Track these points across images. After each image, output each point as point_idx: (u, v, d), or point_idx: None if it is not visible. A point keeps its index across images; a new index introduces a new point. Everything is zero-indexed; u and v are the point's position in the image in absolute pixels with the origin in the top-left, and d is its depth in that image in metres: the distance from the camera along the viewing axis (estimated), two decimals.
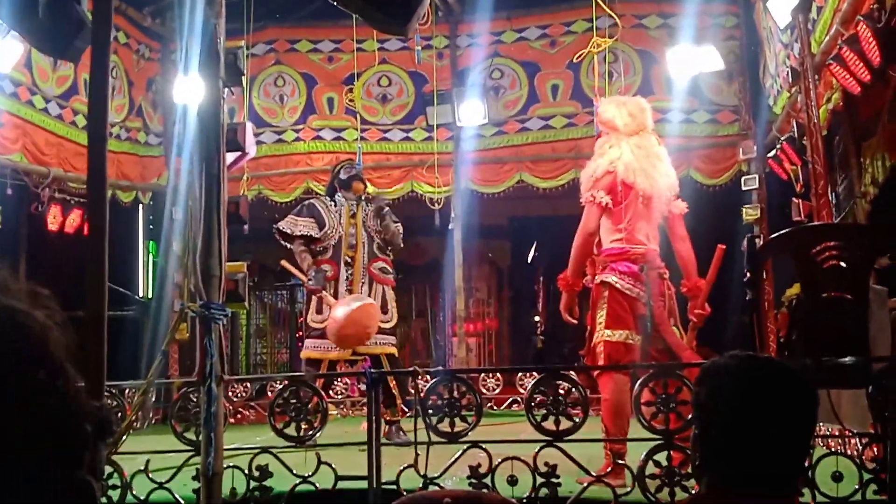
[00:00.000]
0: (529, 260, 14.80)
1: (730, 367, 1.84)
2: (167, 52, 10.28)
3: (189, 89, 4.26)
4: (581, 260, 5.14)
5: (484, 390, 9.40)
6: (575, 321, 5.20)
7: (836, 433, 4.73)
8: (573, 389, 4.32)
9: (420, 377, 4.75)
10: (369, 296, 7.06)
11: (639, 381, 4.28)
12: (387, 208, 7.28)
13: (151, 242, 10.77)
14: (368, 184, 8.66)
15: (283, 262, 7.40)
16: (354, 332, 6.70)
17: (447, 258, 10.36)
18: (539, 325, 17.38)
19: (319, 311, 7.07)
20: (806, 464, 3.47)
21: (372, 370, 4.50)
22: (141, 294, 10.33)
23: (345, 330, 6.63)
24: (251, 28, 8.97)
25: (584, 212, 5.11)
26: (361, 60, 10.10)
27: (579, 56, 8.44)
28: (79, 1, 4.08)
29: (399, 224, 7.29)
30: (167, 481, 4.41)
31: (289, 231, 7.20)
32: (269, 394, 9.30)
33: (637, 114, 5.24)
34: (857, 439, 4.62)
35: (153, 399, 7.88)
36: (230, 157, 4.49)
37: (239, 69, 4.14)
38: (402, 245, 7.34)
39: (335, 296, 7.01)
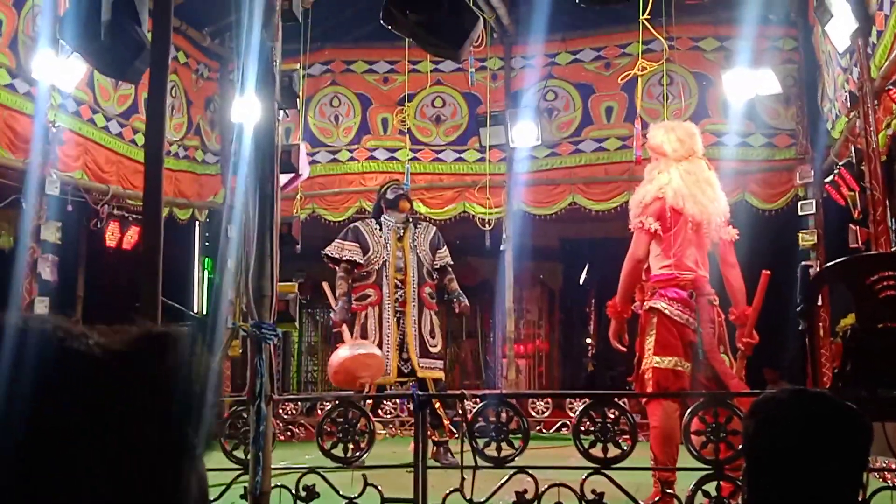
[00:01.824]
0: (581, 282, 14.73)
1: (781, 401, 1.81)
2: (226, 72, 10.45)
3: (246, 109, 4.32)
4: (630, 286, 5.14)
5: (533, 413, 9.35)
6: (624, 348, 5.18)
7: (893, 466, 4.62)
8: (622, 416, 4.28)
9: (468, 400, 4.74)
10: (418, 321, 7.11)
11: (689, 410, 4.22)
12: (442, 244, 7.40)
13: (207, 259, 10.91)
14: (419, 203, 8.75)
15: (324, 285, 7.49)
16: (344, 379, 6.85)
17: (498, 279, 10.35)
18: (590, 347, 17.29)
19: (364, 335, 7.11)
20: (860, 497, 3.40)
21: (419, 393, 4.50)
22: (196, 310, 10.46)
23: (337, 375, 6.83)
24: (308, 49, 9.11)
25: (633, 238, 5.12)
26: (416, 81, 10.17)
27: (624, 77, 8.39)
28: (139, 23, 4.18)
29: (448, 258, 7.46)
30: (215, 499, 4.44)
31: (336, 256, 7.29)
32: (319, 412, 9.35)
33: (686, 139, 5.22)
34: None
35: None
36: (284, 178, 4.55)
37: (294, 92, 4.19)
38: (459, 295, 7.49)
39: (378, 321, 7.08)
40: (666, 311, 4.95)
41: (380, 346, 7.06)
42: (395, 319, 7.13)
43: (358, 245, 7.26)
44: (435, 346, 7.22)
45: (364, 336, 7.11)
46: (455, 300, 7.50)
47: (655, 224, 5.02)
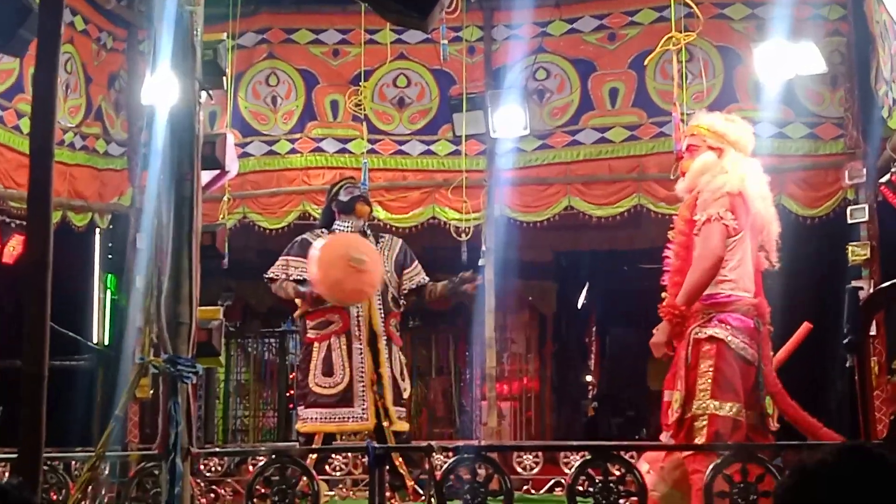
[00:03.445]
0: (580, 305, 14.78)
1: (826, 460, 1.79)
2: (134, 42, 10.41)
3: (159, 89, 4.30)
4: (703, 290, 5.10)
5: (519, 469, 9.33)
6: (671, 354, 5.18)
7: None
8: (629, 474, 4.29)
9: (436, 453, 4.74)
10: (390, 359, 7.11)
11: (711, 466, 4.25)
12: (411, 260, 7.40)
13: (110, 276, 10.84)
14: (377, 207, 8.73)
15: (296, 315, 7.49)
16: (335, 275, 6.73)
17: (476, 302, 10.35)
18: (591, 387, 17.33)
19: (329, 371, 7.05)
20: None
21: (375, 445, 4.49)
22: (96, 340, 10.39)
23: (324, 270, 6.70)
24: (238, 14, 9.08)
25: (706, 232, 5.13)
26: (373, 55, 10.15)
27: (650, 58, 8.45)
28: None
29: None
30: None
31: (282, 277, 7.27)
32: (251, 468, 9.27)
33: (744, 135, 5.43)
34: None
35: (106, 475, 7.90)
36: (207, 175, 4.53)
37: (219, 68, 4.19)
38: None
39: (348, 353, 7.03)
40: (731, 344, 4.98)
41: (349, 387, 7.02)
42: (370, 351, 7.10)
43: (308, 261, 7.22)
44: (405, 389, 7.24)
45: (328, 373, 7.06)
46: (461, 281, 7.48)
47: (733, 222, 5.08)
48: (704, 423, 4.91)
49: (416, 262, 7.55)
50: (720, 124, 5.51)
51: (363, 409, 6.98)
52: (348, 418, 6.96)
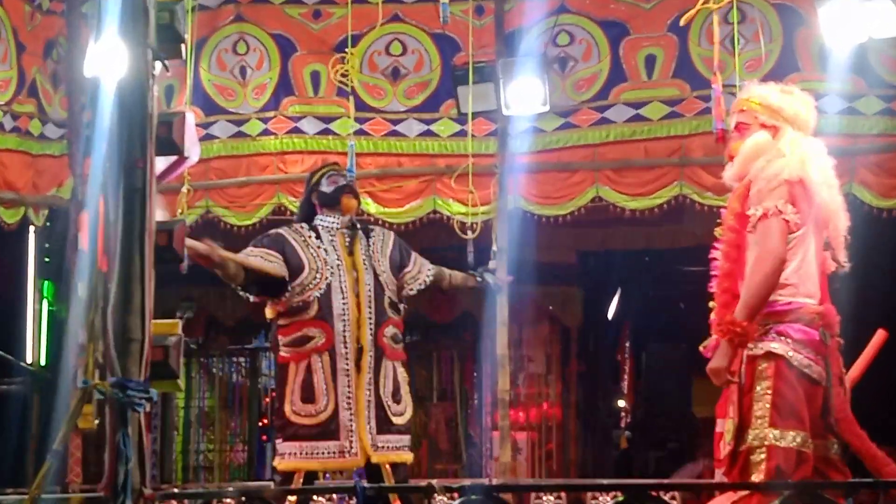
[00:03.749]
0: (610, 316, 14.79)
1: None
2: (76, 3, 10.41)
3: (105, 59, 4.30)
4: (767, 298, 5.07)
5: None
6: (736, 381, 5.12)
7: None
8: None
9: (439, 494, 4.74)
10: (374, 379, 7.07)
11: None
12: (409, 256, 7.37)
13: (47, 283, 10.85)
14: (367, 199, 8.73)
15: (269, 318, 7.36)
16: None
17: (486, 312, 10.36)
18: (624, 414, 17.32)
19: (309, 397, 7.00)
20: None
21: (365, 483, 4.49)
22: (30, 359, 10.40)
23: None
24: None
25: (764, 229, 5.12)
26: (362, 17, 10.17)
27: (687, 16, 8.44)
28: None
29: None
30: None
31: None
32: None
33: (802, 108, 5.45)
34: None
35: None
36: (163, 161, 4.53)
37: (177, 33, 4.18)
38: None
39: (332, 376, 6.99)
40: (793, 361, 4.97)
41: (334, 416, 7.00)
42: (358, 374, 7.07)
43: (281, 257, 7.16)
44: (400, 415, 7.18)
45: (308, 399, 7.02)
46: (480, 274, 7.54)
47: (795, 216, 5.07)
48: (762, 456, 4.88)
49: (416, 257, 7.48)
50: (775, 97, 5.47)
51: (351, 443, 6.96)
52: (333, 453, 6.93)
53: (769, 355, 4.97)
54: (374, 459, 6.98)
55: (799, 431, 4.88)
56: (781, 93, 5.50)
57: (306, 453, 6.98)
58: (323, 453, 6.95)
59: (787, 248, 5.07)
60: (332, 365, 7.02)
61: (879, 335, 5.07)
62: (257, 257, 7.02)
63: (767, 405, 4.93)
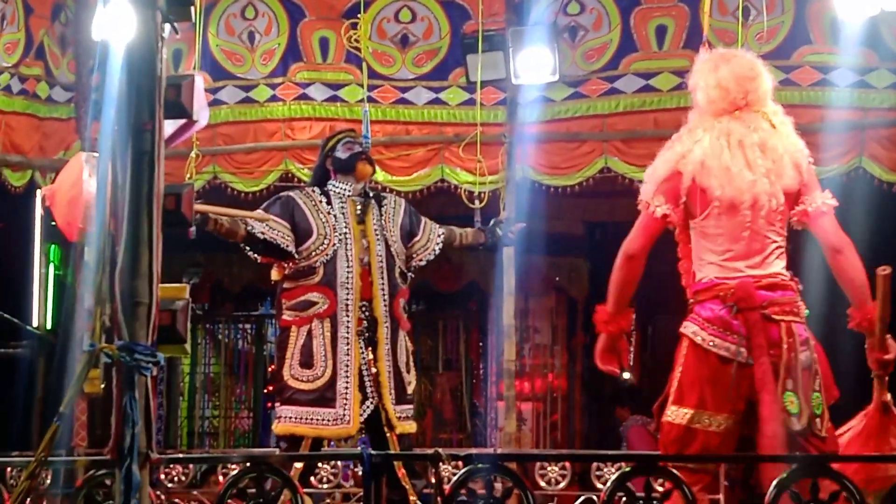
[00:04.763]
0: None
1: None
2: None
3: (113, 22, 4.29)
4: (619, 288, 5.35)
5: (543, 483, 9.36)
6: (617, 372, 5.46)
7: None
8: (678, 488, 4.29)
9: (444, 462, 4.74)
10: (392, 350, 7.06)
11: (775, 483, 4.24)
12: (420, 224, 7.33)
13: (53, 247, 10.85)
14: (377, 169, 8.70)
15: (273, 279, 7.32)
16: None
17: (493, 282, 10.36)
18: (629, 384, 17.28)
19: (308, 362, 7.01)
20: None
21: (371, 451, 4.49)
22: (36, 323, 10.41)
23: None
24: None
25: (636, 222, 5.33)
26: None
27: None
28: None
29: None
30: None
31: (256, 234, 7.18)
32: (221, 478, 9.31)
33: (731, 84, 5.32)
34: None
35: (49, 484, 7.94)
36: (170, 125, 4.52)
37: None
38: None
39: (332, 343, 6.97)
40: (697, 339, 5.10)
41: (332, 383, 6.99)
42: (358, 342, 7.06)
43: (287, 224, 7.14)
44: (410, 383, 7.21)
45: (307, 364, 7.02)
46: (491, 229, 7.51)
47: (665, 208, 5.18)
48: (663, 432, 5.15)
49: (426, 224, 7.43)
50: (692, 78, 5.45)
51: (345, 411, 6.96)
52: (326, 421, 6.93)
53: (682, 335, 5.15)
54: (398, 430, 6.99)
55: (691, 409, 5.02)
56: (710, 69, 5.39)
57: (301, 418, 6.99)
58: (318, 420, 6.95)
59: (646, 244, 5.29)
60: (332, 332, 7.01)
61: (881, 277, 5.05)
62: (264, 225, 6.99)
63: (675, 382, 5.11)
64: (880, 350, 5.14)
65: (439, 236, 7.37)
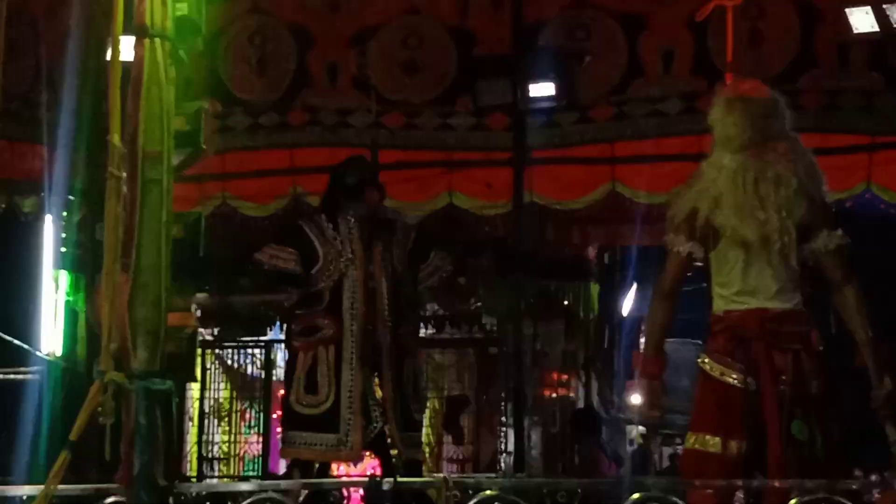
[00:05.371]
0: (626, 312, 14.78)
1: None
2: None
3: (123, 50, 4.31)
4: (658, 330, 5.55)
5: None
6: (658, 416, 5.55)
7: None
8: None
9: (451, 489, 4.74)
10: (397, 377, 7.07)
11: None
12: (428, 251, 7.36)
13: (64, 272, 10.84)
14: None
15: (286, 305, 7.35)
16: None
17: (502, 306, 10.35)
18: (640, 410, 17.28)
19: (312, 387, 7.04)
20: None
21: (379, 478, 4.49)
22: (46, 349, 10.40)
23: None
24: None
25: (666, 262, 5.50)
26: (378, 10, 10.16)
27: (704, 11, 8.43)
28: None
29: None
30: None
31: (265, 264, 7.24)
32: None
33: (746, 124, 5.41)
34: None
35: None
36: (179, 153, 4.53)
37: (196, 25, 4.19)
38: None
39: (335, 370, 6.99)
40: (705, 368, 5.26)
41: (336, 408, 7.00)
42: (363, 368, 7.06)
43: (295, 252, 7.20)
44: (419, 411, 7.23)
45: (311, 389, 7.05)
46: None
47: (688, 246, 5.35)
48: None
49: (437, 258, 7.46)
50: (711, 113, 5.63)
51: (348, 437, 6.97)
52: (330, 445, 6.95)
53: (698, 366, 5.31)
54: (405, 456, 7.00)
55: (706, 433, 5.15)
56: (725, 107, 5.55)
57: (305, 443, 7.01)
58: (320, 445, 6.96)
59: (677, 283, 5.49)
60: (336, 358, 7.04)
61: None
62: (281, 260, 7.11)
63: (694, 412, 5.36)
64: (876, 382, 5.19)
65: (448, 262, 7.39)
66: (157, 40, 4.06)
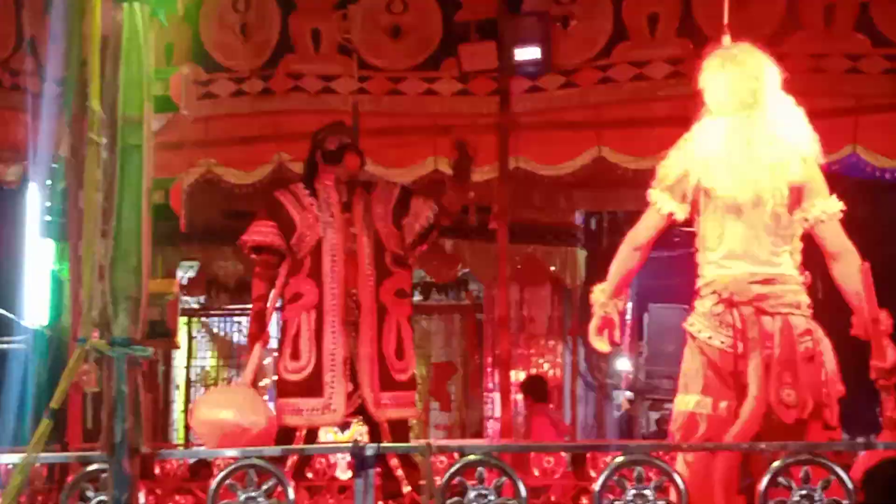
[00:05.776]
0: None
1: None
2: None
3: (104, 15, 4.27)
4: (620, 276, 5.65)
5: (538, 473, 9.35)
6: (608, 349, 5.66)
7: None
8: (668, 478, 4.29)
9: (436, 454, 4.73)
10: (378, 336, 7.07)
11: (771, 468, 4.26)
12: (411, 205, 7.32)
13: (48, 242, 10.81)
14: (369, 160, 8.69)
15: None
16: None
17: (487, 272, 10.34)
18: (626, 376, 17.35)
19: (296, 354, 7.06)
20: None
21: (362, 444, 4.48)
22: (31, 319, 10.38)
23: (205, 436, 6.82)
24: None
25: (643, 216, 5.58)
26: None
27: None
28: None
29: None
30: None
31: (247, 241, 7.27)
32: (215, 472, 9.29)
33: (738, 86, 5.44)
34: None
35: (41, 479, 7.94)
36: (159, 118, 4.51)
37: None
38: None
39: (316, 334, 7.00)
40: (694, 331, 5.29)
41: (318, 372, 7.01)
42: (344, 331, 7.07)
43: (274, 225, 7.21)
44: (403, 371, 7.20)
45: (295, 355, 7.07)
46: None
47: (671, 205, 5.44)
48: (674, 421, 5.35)
49: (416, 200, 7.42)
50: (701, 76, 5.66)
51: (332, 400, 6.98)
52: (315, 410, 6.95)
53: (686, 330, 5.35)
54: (375, 417, 7.00)
55: (696, 394, 5.21)
56: (717, 67, 5.58)
57: (291, 409, 7.02)
58: (306, 409, 6.98)
59: (651, 238, 5.62)
60: (317, 322, 7.06)
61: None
62: (259, 235, 7.18)
63: (681, 375, 5.37)
64: (876, 356, 5.17)
65: (428, 206, 7.35)
66: (136, 4, 4.02)
